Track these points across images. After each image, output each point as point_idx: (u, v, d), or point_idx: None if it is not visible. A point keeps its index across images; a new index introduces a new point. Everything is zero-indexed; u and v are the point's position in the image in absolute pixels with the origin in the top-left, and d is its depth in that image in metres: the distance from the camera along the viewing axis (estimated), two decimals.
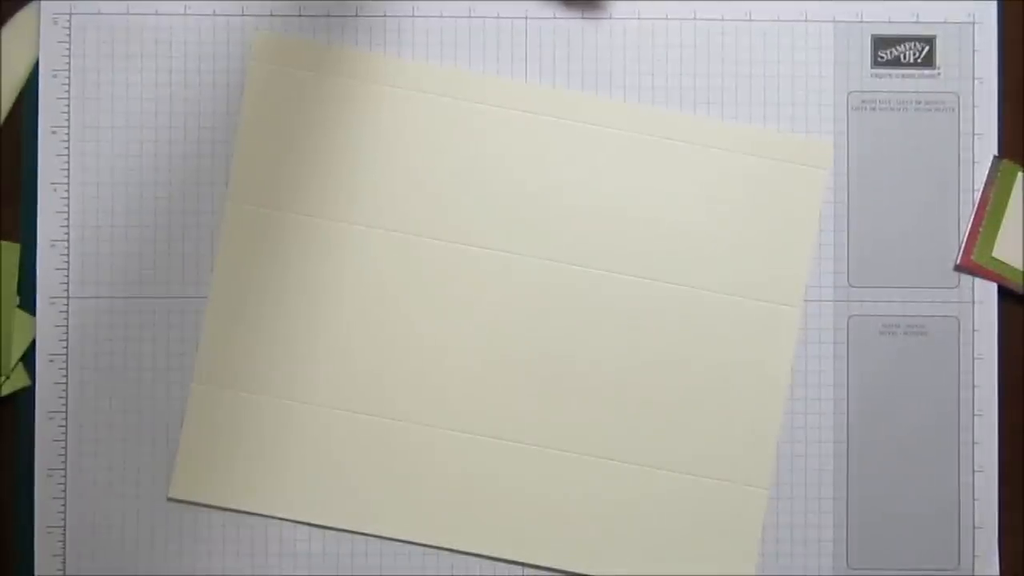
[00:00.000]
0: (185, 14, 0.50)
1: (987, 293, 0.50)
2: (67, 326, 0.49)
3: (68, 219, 0.50)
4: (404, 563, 0.49)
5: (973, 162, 0.50)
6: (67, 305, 0.49)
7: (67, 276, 0.50)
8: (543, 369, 0.49)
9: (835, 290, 0.50)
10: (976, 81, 0.51)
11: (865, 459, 0.50)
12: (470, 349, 0.49)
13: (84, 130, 0.50)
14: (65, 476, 0.49)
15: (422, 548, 0.49)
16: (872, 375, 0.50)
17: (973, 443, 0.50)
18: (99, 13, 0.50)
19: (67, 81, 0.50)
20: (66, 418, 0.49)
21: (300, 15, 0.50)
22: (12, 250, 0.49)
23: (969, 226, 0.50)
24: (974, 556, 0.50)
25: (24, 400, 0.49)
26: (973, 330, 0.50)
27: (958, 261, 0.50)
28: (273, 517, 0.49)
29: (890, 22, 0.51)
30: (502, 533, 0.49)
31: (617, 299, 0.49)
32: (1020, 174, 0.50)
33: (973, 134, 0.50)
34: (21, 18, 0.50)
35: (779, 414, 0.49)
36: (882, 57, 0.51)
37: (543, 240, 0.49)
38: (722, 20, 0.50)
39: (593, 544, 0.49)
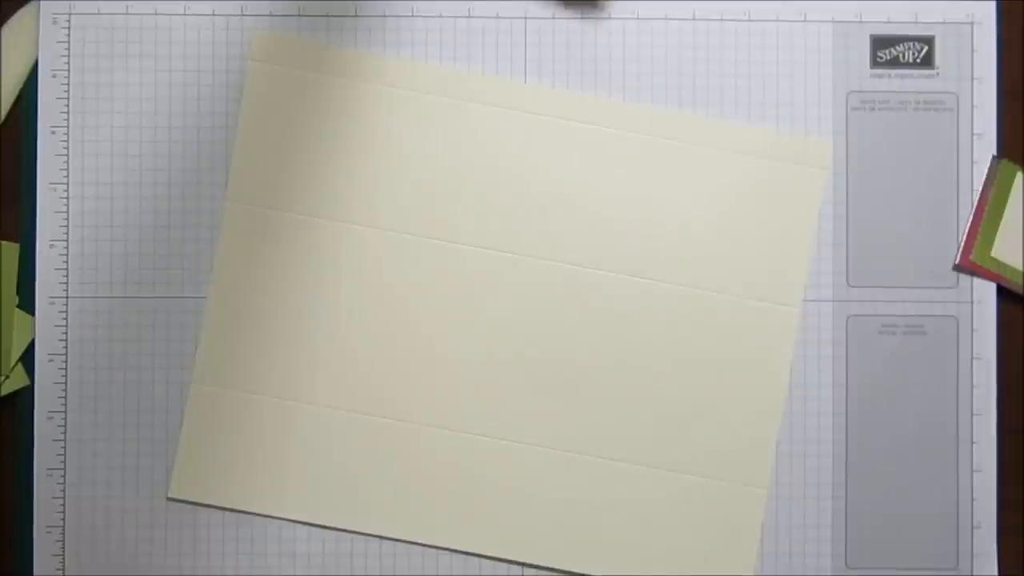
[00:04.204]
0: (185, 14, 0.50)
1: (986, 293, 0.50)
2: (66, 326, 0.49)
3: (67, 219, 0.50)
4: (404, 563, 0.49)
5: (972, 162, 0.50)
6: (66, 305, 0.49)
7: (66, 276, 0.50)
8: (542, 369, 0.49)
9: (834, 290, 0.50)
10: (975, 81, 0.51)
11: (864, 459, 0.50)
12: (469, 349, 0.49)
13: (83, 130, 0.50)
14: (64, 476, 0.49)
15: (422, 548, 0.49)
16: (871, 375, 0.50)
17: (972, 443, 0.50)
18: (99, 13, 0.50)
19: (66, 81, 0.50)
20: (65, 418, 0.49)
21: (300, 15, 0.50)
22: (11, 250, 0.49)
23: (968, 226, 0.50)
24: (973, 556, 0.50)
25: (23, 400, 0.49)
26: (972, 330, 0.50)
27: (957, 261, 0.50)
28: (273, 517, 0.49)
29: (889, 22, 0.51)
30: (502, 533, 0.49)
31: (616, 299, 0.49)
32: (1019, 174, 0.50)
33: (972, 134, 0.51)
34: (21, 18, 0.50)
35: (778, 414, 0.49)
36: (881, 57, 0.51)
37: (542, 240, 0.49)
38: (721, 20, 0.50)
39: (593, 544, 0.49)
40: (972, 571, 0.50)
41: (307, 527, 0.49)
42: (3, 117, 0.50)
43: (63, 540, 0.49)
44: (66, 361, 0.49)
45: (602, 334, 0.49)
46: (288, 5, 0.50)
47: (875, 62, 0.51)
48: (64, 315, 0.49)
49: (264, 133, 0.49)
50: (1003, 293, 0.51)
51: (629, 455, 0.49)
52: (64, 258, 0.50)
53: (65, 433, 0.49)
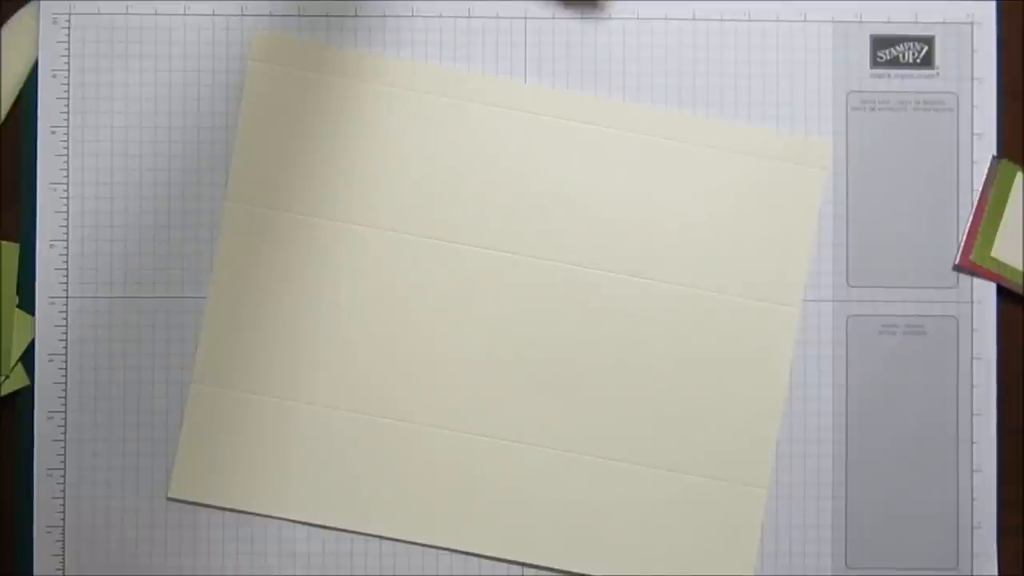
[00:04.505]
0: (185, 14, 0.50)
1: (986, 293, 0.50)
2: (66, 326, 0.49)
3: (67, 219, 0.50)
4: (404, 563, 0.49)
5: (972, 162, 0.51)
6: (66, 305, 0.49)
7: (66, 276, 0.50)
8: (542, 369, 0.49)
9: (834, 290, 0.50)
10: (975, 81, 0.51)
11: (864, 459, 0.50)
12: (469, 349, 0.49)
13: (83, 130, 0.50)
14: (64, 476, 0.49)
15: (422, 548, 0.49)
16: (871, 375, 0.50)
17: (972, 443, 0.50)
18: (99, 13, 0.50)
19: (67, 81, 0.50)
20: (65, 418, 0.49)
21: (300, 15, 0.50)
22: (11, 250, 0.49)
23: (968, 226, 0.50)
24: (973, 556, 0.50)
25: (24, 400, 0.49)
26: (972, 330, 0.50)
27: (957, 261, 0.50)
28: (273, 517, 0.49)
29: (889, 22, 0.51)
30: (502, 533, 0.49)
31: (616, 299, 0.49)
32: (1019, 174, 0.50)
33: (972, 134, 0.51)
34: (21, 18, 0.50)
35: (778, 414, 0.49)
36: (881, 57, 0.51)
37: (542, 240, 0.49)
38: (721, 20, 0.50)
39: (593, 544, 0.49)
40: (972, 571, 0.50)
41: (307, 527, 0.49)
42: (3, 117, 0.50)
43: (63, 540, 0.49)
44: (66, 361, 0.49)
45: (602, 334, 0.49)
46: (288, 5, 0.50)
47: (875, 62, 0.51)
48: (64, 315, 0.49)
49: (264, 133, 0.49)
50: (1003, 293, 0.51)
51: (629, 455, 0.49)
52: (64, 258, 0.50)
53: (65, 433, 0.49)
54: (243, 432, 0.49)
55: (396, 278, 0.49)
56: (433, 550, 0.49)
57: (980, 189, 0.50)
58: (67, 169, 0.50)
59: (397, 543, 0.49)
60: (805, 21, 0.51)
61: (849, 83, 0.50)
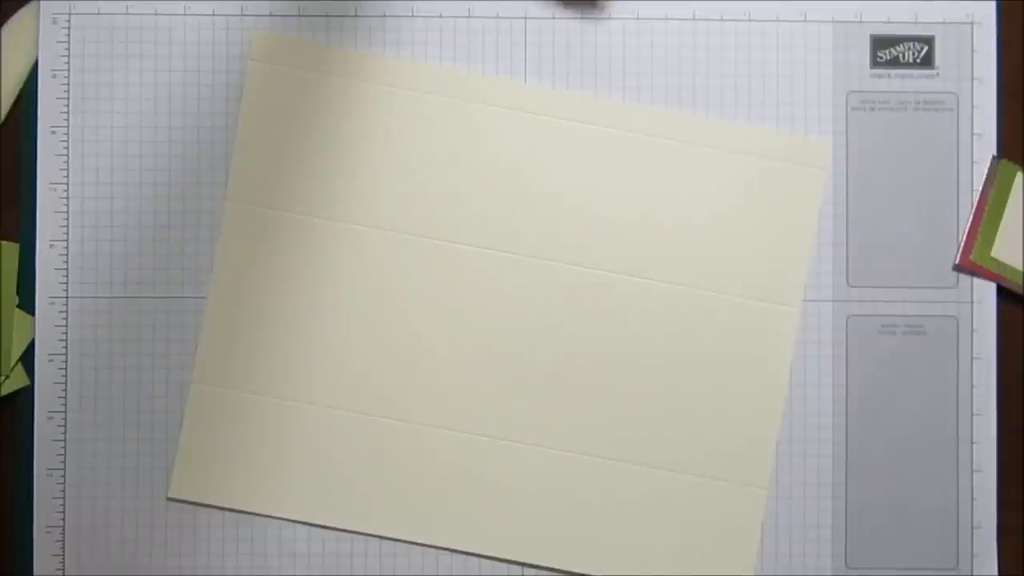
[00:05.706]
0: (185, 14, 0.50)
1: (986, 293, 0.50)
2: (66, 326, 0.49)
3: (67, 219, 0.50)
4: (404, 563, 0.49)
5: (972, 162, 0.51)
6: (66, 305, 0.49)
7: (66, 276, 0.50)
8: (542, 369, 0.49)
9: (834, 290, 0.50)
10: (975, 81, 0.51)
11: (864, 459, 0.50)
12: (469, 349, 0.49)
13: (83, 130, 0.50)
14: (64, 476, 0.49)
15: (422, 548, 0.49)
16: (871, 375, 0.50)
17: (972, 443, 0.50)
18: (99, 13, 0.50)
19: (66, 81, 0.50)
20: (65, 418, 0.49)
21: (300, 15, 0.50)
22: (11, 250, 0.49)
23: (968, 226, 0.50)
24: (973, 556, 0.50)
25: (23, 400, 0.49)
26: (972, 330, 0.50)
27: (957, 261, 0.50)
28: (273, 517, 0.49)
29: (889, 22, 0.51)
30: (502, 533, 0.49)
31: (616, 299, 0.49)
32: (1019, 174, 0.50)
33: (972, 134, 0.51)
34: (21, 18, 0.50)
35: (778, 414, 0.49)
36: (881, 57, 0.51)
37: (541, 240, 0.49)
38: (721, 20, 0.50)
39: (593, 544, 0.49)
40: (972, 571, 0.50)
41: (307, 527, 0.49)
42: (3, 117, 0.50)
43: (63, 540, 0.49)
44: (66, 361, 0.49)
45: (602, 334, 0.49)
46: (288, 5, 0.50)
47: (875, 62, 0.51)
48: (64, 315, 0.49)
49: (264, 133, 0.49)
50: (1003, 293, 0.51)
51: (629, 455, 0.49)
52: (64, 258, 0.50)
53: (65, 433, 0.49)
54: (243, 432, 0.49)
55: (396, 278, 0.49)
56: (433, 550, 0.49)
57: (980, 189, 0.50)
58: (67, 169, 0.50)
59: (397, 543, 0.49)
60: (805, 21, 0.51)
61: (849, 83, 0.50)
